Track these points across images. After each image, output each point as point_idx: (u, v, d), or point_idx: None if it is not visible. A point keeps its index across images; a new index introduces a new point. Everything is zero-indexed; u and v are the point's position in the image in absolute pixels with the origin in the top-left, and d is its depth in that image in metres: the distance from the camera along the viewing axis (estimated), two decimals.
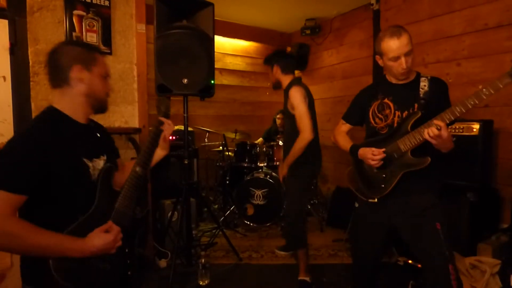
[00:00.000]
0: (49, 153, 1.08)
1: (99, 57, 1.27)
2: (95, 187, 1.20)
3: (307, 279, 2.39)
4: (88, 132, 1.28)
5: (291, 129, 2.38)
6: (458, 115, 1.36)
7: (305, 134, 2.24)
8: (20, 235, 1.00)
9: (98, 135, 1.34)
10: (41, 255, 1.04)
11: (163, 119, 1.40)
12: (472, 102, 1.33)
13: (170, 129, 1.41)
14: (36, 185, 1.06)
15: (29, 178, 1.04)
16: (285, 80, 2.47)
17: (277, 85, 2.55)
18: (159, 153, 1.48)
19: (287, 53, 2.64)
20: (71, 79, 1.19)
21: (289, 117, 2.39)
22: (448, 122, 1.37)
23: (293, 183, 2.41)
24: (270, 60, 2.53)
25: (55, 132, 1.13)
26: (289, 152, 2.34)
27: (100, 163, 1.26)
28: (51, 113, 1.20)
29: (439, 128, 1.35)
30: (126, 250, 1.26)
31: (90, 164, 1.21)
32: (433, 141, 1.39)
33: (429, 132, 1.37)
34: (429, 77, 1.58)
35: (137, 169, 1.28)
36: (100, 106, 1.29)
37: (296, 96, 2.29)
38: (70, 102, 1.21)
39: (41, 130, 1.12)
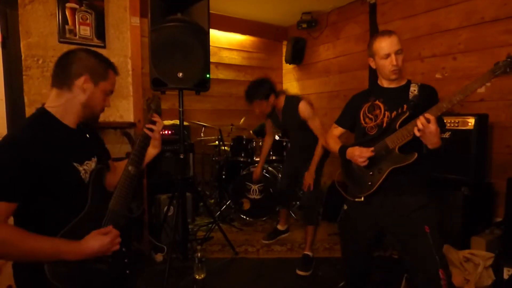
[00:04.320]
0: (39, 160, 1.06)
1: (111, 74, 1.27)
2: (87, 190, 1.19)
3: (310, 254, 2.62)
4: (78, 136, 1.26)
5: (303, 141, 2.61)
6: (444, 110, 1.39)
7: (323, 139, 2.37)
8: (13, 241, 0.99)
9: (88, 136, 1.32)
10: (37, 260, 1.03)
11: (155, 116, 1.40)
12: (458, 99, 1.37)
13: (160, 127, 1.42)
14: (27, 192, 1.04)
15: (19, 185, 1.03)
16: (281, 100, 2.62)
17: (272, 111, 2.65)
18: (151, 151, 1.47)
19: (263, 79, 2.63)
20: (74, 85, 1.18)
21: (302, 130, 2.56)
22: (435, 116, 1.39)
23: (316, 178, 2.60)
24: (263, 94, 2.53)
25: (45, 138, 1.11)
26: (305, 160, 2.55)
27: (91, 165, 1.25)
28: (42, 116, 1.17)
29: (428, 120, 1.37)
30: (124, 249, 1.25)
31: (81, 168, 1.20)
32: (419, 133, 1.39)
33: (418, 123, 1.39)
34: (419, 84, 1.63)
35: (130, 168, 1.27)
36: (92, 119, 1.28)
37: (309, 109, 2.50)
38: (65, 106, 1.19)
39: (31, 137, 1.09)
